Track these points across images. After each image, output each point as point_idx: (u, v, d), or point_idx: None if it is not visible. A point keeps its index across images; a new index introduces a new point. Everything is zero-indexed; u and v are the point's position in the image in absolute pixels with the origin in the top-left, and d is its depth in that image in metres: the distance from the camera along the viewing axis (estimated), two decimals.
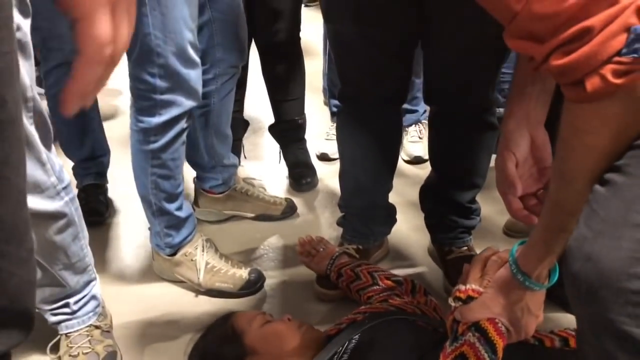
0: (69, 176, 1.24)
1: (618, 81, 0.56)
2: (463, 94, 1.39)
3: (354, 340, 1.08)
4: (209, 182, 1.86)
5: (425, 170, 1.62)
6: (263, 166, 2.32)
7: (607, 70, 0.56)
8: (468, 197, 1.55)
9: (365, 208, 1.60)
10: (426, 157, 2.26)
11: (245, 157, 2.27)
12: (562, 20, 0.56)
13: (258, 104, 2.53)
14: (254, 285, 1.59)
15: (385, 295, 1.40)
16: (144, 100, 1.37)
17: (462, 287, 0.90)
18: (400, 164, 2.30)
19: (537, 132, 0.91)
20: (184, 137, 1.47)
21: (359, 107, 1.47)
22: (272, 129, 2.20)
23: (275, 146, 2.25)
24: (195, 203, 1.92)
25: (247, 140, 2.31)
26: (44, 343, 1.36)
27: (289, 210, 1.96)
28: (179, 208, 1.54)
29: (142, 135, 1.42)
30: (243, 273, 1.60)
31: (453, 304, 0.90)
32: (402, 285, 1.41)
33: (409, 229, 1.82)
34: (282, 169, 2.23)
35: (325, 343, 1.19)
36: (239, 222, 1.93)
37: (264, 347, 1.12)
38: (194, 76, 1.38)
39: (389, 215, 1.66)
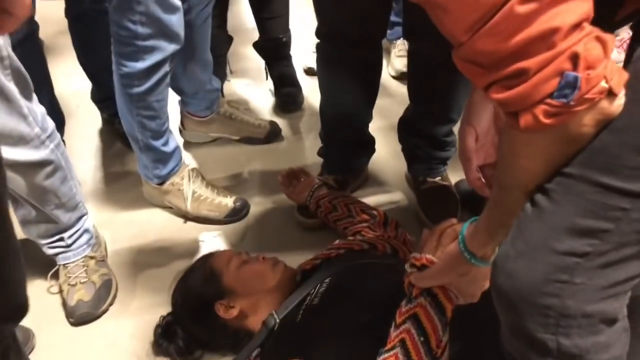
0: (52, 123, 1.28)
1: (548, 121, 0.59)
2: None
3: (324, 284, 1.18)
4: (193, 106, 1.89)
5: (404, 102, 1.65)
6: (249, 81, 2.34)
7: (539, 111, 0.59)
8: (444, 131, 1.60)
9: (344, 141, 1.66)
10: None
11: (231, 72, 2.27)
12: (502, 56, 0.59)
13: (244, 18, 2.47)
14: (239, 212, 1.68)
15: (360, 228, 1.49)
16: (126, 46, 1.37)
17: (418, 256, 0.98)
18: (387, 80, 2.32)
19: None
20: (167, 79, 1.49)
21: (338, 45, 1.47)
22: (256, 45, 2.19)
23: (261, 61, 2.24)
24: (182, 125, 1.96)
25: (233, 55, 2.30)
26: (46, 270, 1.49)
27: (273, 134, 2.01)
28: (165, 144, 1.59)
29: (126, 80, 1.43)
30: (229, 201, 1.68)
31: (409, 270, 0.98)
32: (376, 218, 1.50)
33: (388, 154, 1.88)
34: (269, 85, 2.25)
35: (299, 279, 1.30)
36: (225, 145, 1.99)
37: (242, 287, 1.23)
38: (176, 21, 1.37)
39: (368, 146, 1.71)
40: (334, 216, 1.55)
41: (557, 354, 0.64)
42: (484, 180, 0.97)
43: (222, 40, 2.09)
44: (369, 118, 1.65)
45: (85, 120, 2.12)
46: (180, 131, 1.98)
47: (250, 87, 2.31)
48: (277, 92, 2.18)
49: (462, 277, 0.93)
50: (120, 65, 1.40)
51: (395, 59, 2.32)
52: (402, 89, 2.21)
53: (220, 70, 2.12)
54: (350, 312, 1.09)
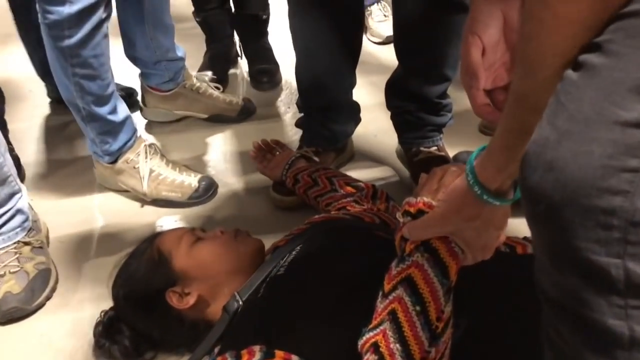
0: None
1: None
2: None
3: (294, 252, 0.95)
4: (154, 79, 1.67)
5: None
6: None
7: None
8: (437, 92, 1.38)
9: (324, 107, 1.44)
10: None
11: (240, 57, 2.05)
12: None
13: None
14: (204, 193, 1.46)
15: (345, 202, 1.27)
16: None
17: (413, 200, 0.76)
18: (371, 48, 2.13)
19: (511, 9, 0.73)
20: (104, 29, 1.27)
21: None
22: (232, 21, 1.97)
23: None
24: (143, 102, 1.75)
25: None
26: None
27: (247, 112, 1.79)
28: (112, 111, 1.37)
29: (54, 30, 1.22)
30: (192, 181, 1.46)
31: (401, 220, 0.76)
32: (363, 191, 1.28)
33: (377, 129, 1.66)
34: (243, 65, 2.04)
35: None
36: (192, 124, 1.77)
37: (197, 269, 1.00)
38: None
39: (352, 113, 1.50)
40: (314, 191, 1.33)
41: (626, 287, 0.41)
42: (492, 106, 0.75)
43: (225, 20, 1.94)
44: (351, 79, 1.44)
45: (36, 105, 1.90)
46: (141, 109, 1.76)
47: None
48: (252, 70, 1.97)
49: (470, 223, 0.70)
50: (46, 13, 1.19)
51: (375, 25, 2.18)
52: (389, 56, 1.99)
53: (227, 54, 1.97)
54: (325, 282, 0.86)
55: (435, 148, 1.45)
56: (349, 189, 1.30)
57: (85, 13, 1.20)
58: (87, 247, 1.36)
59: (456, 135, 1.54)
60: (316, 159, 1.44)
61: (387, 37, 2.12)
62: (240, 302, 0.95)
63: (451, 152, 1.48)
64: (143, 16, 1.49)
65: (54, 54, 1.26)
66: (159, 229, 1.40)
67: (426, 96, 1.38)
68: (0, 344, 1.14)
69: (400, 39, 1.35)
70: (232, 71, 2.04)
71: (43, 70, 1.78)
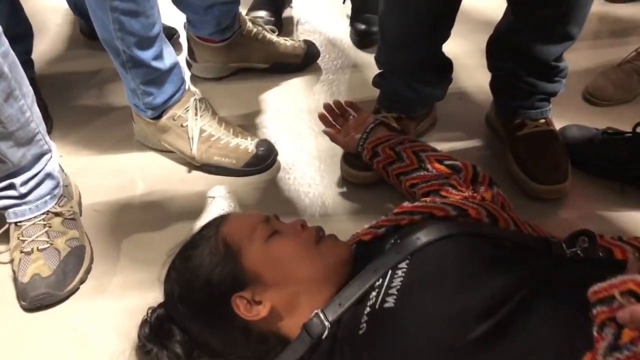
0: None
1: None
2: None
3: (400, 271, 0.73)
4: (205, 28, 1.41)
5: (498, 9, 1.17)
6: (318, 5, 1.81)
7: None
8: (556, 53, 1.13)
9: (412, 64, 1.19)
10: None
11: None
12: None
13: None
14: (263, 161, 1.24)
15: (436, 185, 1.04)
16: None
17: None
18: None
19: None
20: None
21: None
22: None
23: None
24: (191, 56, 1.49)
25: None
26: None
27: (311, 57, 1.54)
28: (158, 57, 1.14)
29: None
30: (249, 145, 1.23)
31: (620, 300, 0.55)
32: (460, 172, 1.04)
33: (469, 88, 1.40)
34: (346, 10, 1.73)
35: (356, 258, 0.86)
36: (248, 76, 1.52)
37: (272, 273, 0.79)
38: None
39: (444, 73, 1.25)
40: (397, 168, 1.10)
41: None
42: None
43: None
44: (447, 33, 1.17)
45: (66, 42, 1.66)
46: (189, 65, 1.51)
47: (318, 12, 1.79)
48: (356, 20, 1.64)
49: None
50: None
51: None
52: (485, 8, 1.69)
53: None
54: (452, 324, 0.64)
55: (543, 121, 1.20)
56: (441, 167, 1.06)
57: None
58: (126, 219, 1.16)
59: (562, 102, 1.28)
60: (398, 127, 1.21)
61: None
62: (328, 325, 0.75)
63: (557, 123, 1.23)
64: None
65: None
66: (209, 202, 1.19)
67: (541, 58, 1.12)
68: (25, 336, 0.96)
69: None
70: (330, 22, 1.75)
71: (75, 0, 1.55)
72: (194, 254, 0.84)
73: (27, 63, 1.36)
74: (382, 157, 1.12)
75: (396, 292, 0.70)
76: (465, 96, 1.42)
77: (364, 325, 0.69)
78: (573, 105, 1.38)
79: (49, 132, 1.34)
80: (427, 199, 1.00)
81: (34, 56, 1.42)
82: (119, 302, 1.00)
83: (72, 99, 1.46)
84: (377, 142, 1.13)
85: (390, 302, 0.69)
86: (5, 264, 1.05)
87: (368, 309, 0.71)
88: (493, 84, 1.24)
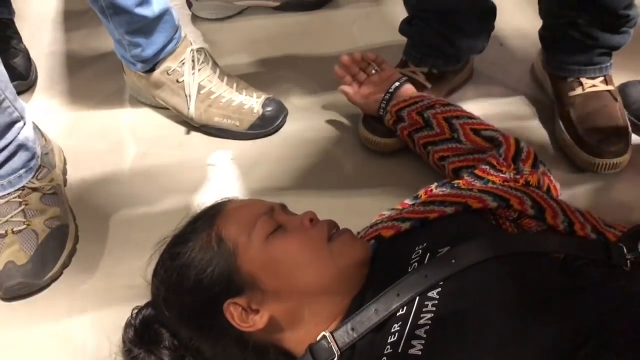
0: None
1: None
2: None
3: (430, 304, 0.59)
4: None
5: None
6: None
7: None
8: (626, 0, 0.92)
9: (449, 10, 0.99)
10: None
11: None
12: None
13: None
14: (270, 122, 1.09)
15: (470, 160, 0.90)
16: None
17: None
18: None
19: None
20: None
21: None
22: None
23: None
24: None
25: None
26: None
27: None
28: (143, 2, 0.97)
29: None
30: (255, 104, 1.08)
31: None
32: (501, 147, 0.88)
33: (512, 34, 1.19)
34: None
35: (373, 257, 0.72)
36: (254, 16, 1.34)
37: (272, 279, 0.67)
38: None
39: (486, 19, 1.05)
40: (424, 137, 0.95)
41: None
42: None
43: None
44: None
45: None
46: (189, 4, 1.34)
47: None
48: None
49: None
50: None
51: None
52: None
53: None
54: None
55: (601, 79, 1.01)
56: (477, 139, 0.91)
57: None
58: (116, 190, 1.03)
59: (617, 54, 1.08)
60: (428, 84, 1.03)
61: None
62: (338, 353, 0.62)
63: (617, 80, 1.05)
64: None
65: None
66: (209, 170, 1.05)
67: (609, 5, 0.92)
68: (2, 329, 0.86)
69: None
70: None
71: None
72: (182, 251, 0.71)
73: (2, 2, 1.19)
74: (407, 123, 0.96)
75: (424, 335, 0.56)
76: (507, 41, 1.22)
77: None
78: (636, 57, 1.17)
79: (33, 83, 1.21)
80: (461, 182, 0.85)
81: None
82: (106, 292, 0.88)
83: (58, 43, 1.30)
84: (402, 104, 0.97)
85: (417, 348, 0.55)
86: None
87: (389, 348, 0.58)
88: (544, 33, 1.05)
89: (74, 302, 0.88)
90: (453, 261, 0.63)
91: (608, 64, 1.01)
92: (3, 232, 0.89)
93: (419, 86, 1.03)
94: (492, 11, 1.05)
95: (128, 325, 0.77)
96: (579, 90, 1.01)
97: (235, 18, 1.34)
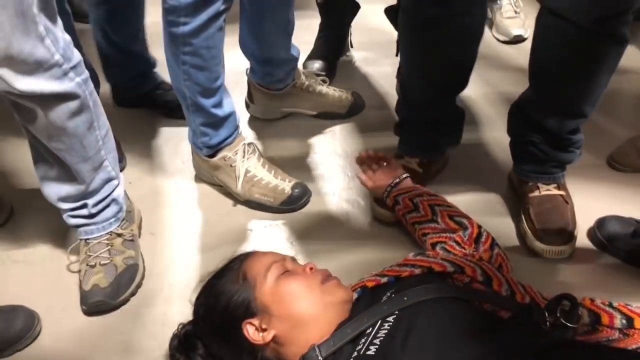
0: (78, 55, 1.05)
1: None
2: None
3: (387, 324, 0.86)
4: (264, 77, 1.60)
5: (523, 52, 1.28)
6: (373, 56, 1.95)
7: None
8: (569, 127, 1.22)
9: (431, 121, 1.33)
10: (527, 34, 1.94)
11: (352, 47, 1.94)
12: None
13: None
14: (296, 201, 1.40)
15: (444, 238, 1.17)
16: None
17: None
18: (494, 45, 1.98)
19: None
20: (220, 21, 1.22)
21: None
22: (389, 11, 1.66)
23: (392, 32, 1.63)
24: (250, 98, 1.67)
25: (357, 26, 1.93)
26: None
27: (356, 108, 1.70)
28: (217, 105, 1.33)
29: (171, 15, 1.19)
30: (286, 186, 1.40)
31: None
32: (467, 230, 1.16)
33: (490, 140, 1.50)
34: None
35: (358, 300, 0.99)
36: (297, 119, 1.68)
37: (278, 307, 0.93)
38: None
39: (459, 123, 1.40)
40: (413, 217, 1.24)
41: None
42: None
43: (347, 6, 1.81)
44: (464, 88, 1.33)
45: None
46: (247, 105, 1.69)
47: (374, 60, 1.93)
48: None
49: None
50: None
51: (504, 22, 2.01)
52: (512, 54, 1.88)
53: (340, 43, 1.86)
54: None
55: (554, 185, 1.29)
56: (451, 223, 1.19)
57: (203, 3, 1.16)
58: (175, 242, 1.35)
59: (582, 168, 1.36)
60: (420, 169, 1.36)
61: (515, 37, 1.96)
62: (320, 359, 0.88)
63: (574, 191, 1.32)
64: (263, 8, 1.41)
65: (167, 39, 1.24)
66: (249, 233, 1.36)
67: (555, 130, 1.22)
68: (83, 335, 1.16)
69: (538, 63, 1.19)
70: (382, 72, 1.88)
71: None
72: (219, 282, 1.00)
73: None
74: (401, 206, 1.25)
75: (378, 343, 0.82)
76: (488, 147, 1.54)
77: None
78: (597, 170, 1.45)
79: (123, 166, 1.51)
80: (430, 252, 1.12)
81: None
82: (161, 316, 1.18)
83: (139, 132, 1.66)
84: (399, 191, 1.27)
85: (372, 350, 0.82)
86: (74, 272, 1.26)
87: (355, 353, 0.83)
88: (512, 146, 1.34)
89: (137, 319, 1.18)
90: (405, 298, 0.90)
91: (560, 174, 1.28)
92: (93, 263, 1.21)
93: (412, 172, 1.33)
94: (462, 115, 1.38)
95: (174, 337, 1.05)
96: (536, 193, 1.28)
97: (281, 120, 1.68)
